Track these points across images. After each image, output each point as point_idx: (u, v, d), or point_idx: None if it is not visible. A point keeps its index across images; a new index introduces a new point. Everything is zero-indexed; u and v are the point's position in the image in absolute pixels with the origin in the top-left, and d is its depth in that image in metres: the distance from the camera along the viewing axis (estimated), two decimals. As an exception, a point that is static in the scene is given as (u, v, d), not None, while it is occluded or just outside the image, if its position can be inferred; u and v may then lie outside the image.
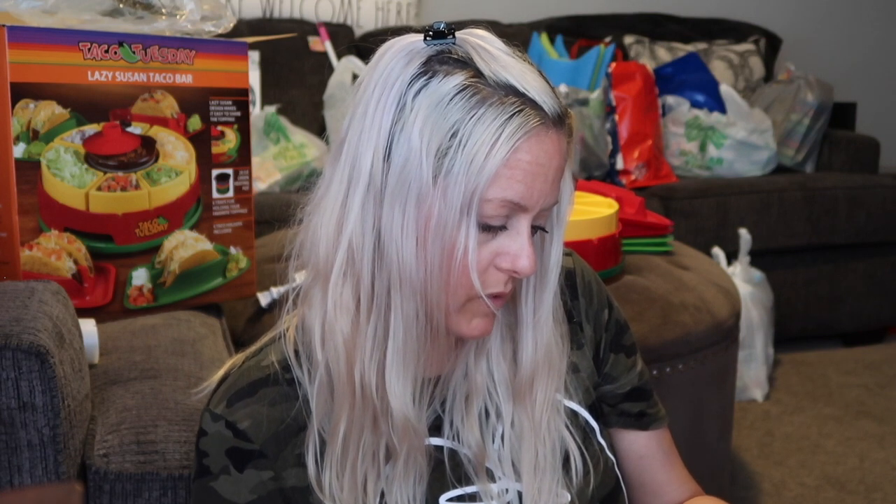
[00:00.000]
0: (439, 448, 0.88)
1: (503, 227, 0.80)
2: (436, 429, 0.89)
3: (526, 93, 0.78)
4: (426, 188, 0.77)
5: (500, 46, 0.81)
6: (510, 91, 0.78)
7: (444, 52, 0.79)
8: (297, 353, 0.87)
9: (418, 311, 0.80)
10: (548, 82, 0.81)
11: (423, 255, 0.78)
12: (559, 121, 0.80)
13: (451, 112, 0.76)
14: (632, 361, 1.01)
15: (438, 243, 0.78)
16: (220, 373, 0.90)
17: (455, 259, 0.78)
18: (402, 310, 0.80)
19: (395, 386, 0.81)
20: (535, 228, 0.83)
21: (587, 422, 0.95)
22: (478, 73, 0.78)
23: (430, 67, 0.78)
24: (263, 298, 1.57)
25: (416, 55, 0.79)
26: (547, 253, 0.87)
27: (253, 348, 0.91)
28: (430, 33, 0.79)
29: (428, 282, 0.79)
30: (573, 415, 0.94)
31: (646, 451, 1.01)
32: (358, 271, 0.80)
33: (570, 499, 0.90)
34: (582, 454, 0.92)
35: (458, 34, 0.80)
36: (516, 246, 0.80)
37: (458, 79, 0.77)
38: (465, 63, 0.78)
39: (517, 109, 0.77)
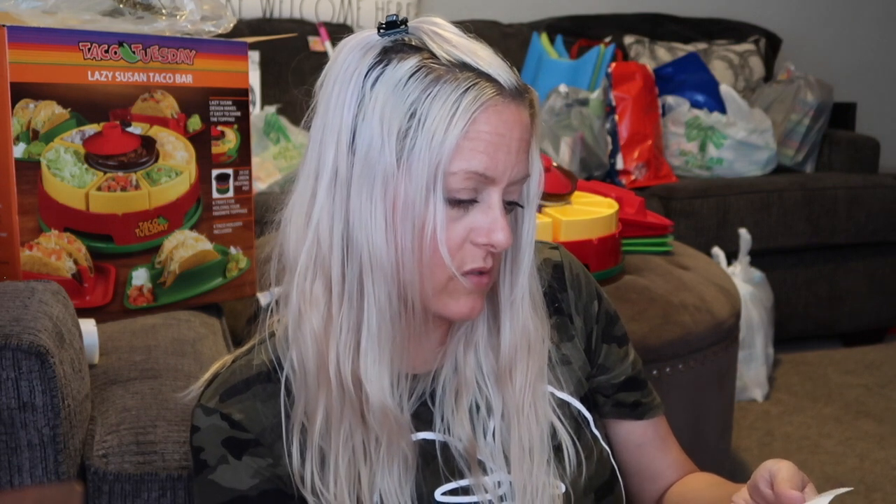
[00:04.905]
0: (431, 442, 0.88)
1: (473, 202, 0.81)
2: (426, 423, 0.89)
3: (478, 67, 0.79)
4: (391, 171, 0.78)
5: (454, 30, 0.82)
6: (463, 67, 0.79)
7: (398, 41, 0.81)
8: (283, 351, 0.88)
9: (391, 296, 0.81)
10: (504, 61, 0.82)
11: (394, 237, 0.79)
12: (517, 93, 0.81)
13: (407, 93, 0.78)
14: (624, 351, 1.01)
15: (408, 224, 0.79)
16: (209, 374, 0.91)
17: (425, 237, 0.79)
18: (374, 295, 0.80)
19: (370, 373, 0.82)
20: (510, 205, 0.84)
21: (580, 412, 0.96)
22: (431, 55, 0.80)
23: (386, 56, 0.80)
24: (263, 298, 1.56)
25: (371, 48, 0.81)
26: (519, 232, 0.87)
27: (242, 349, 0.91)
28: (384, 25, 0.81)
29: (400, 264, 0.80)
30: (565, 406, 0.94)
31: (642, 439, 1.02)
32: (327, 262, 0.81)
33: (564, 489, 0.91)
34: (574, 444, 0.92)
35: (411, 23, 0.82)
36: (489, 219, 0.81)
37: (411, 62, 0.79)
38: (419, 48, 0.80)
39: (472, 83, 0.78)
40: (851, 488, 0.82)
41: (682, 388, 1.74)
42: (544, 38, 3.40)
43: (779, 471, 0.78)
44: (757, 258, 2.83)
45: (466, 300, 0.84)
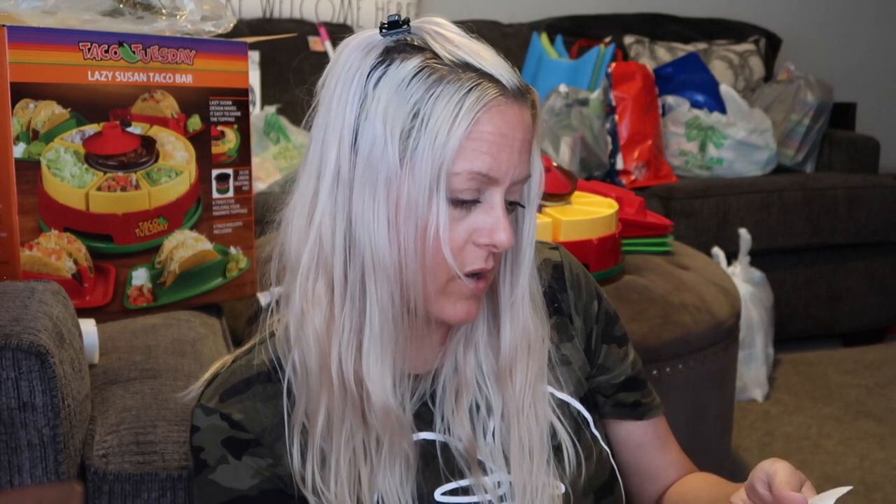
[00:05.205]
0: (431, 442, 0.88)
1: (476, 202, 0.81)
2: (427, 423, 0.89)
3: (481, 67, 0.80)
4: (394, 171, 0.78)
5: (456, 31, 0.82)
6: (466, 67, 0.79)
7: (400, 41, 0.81)
8: (284, 351, 0.88)
9: (393, 296, 0.81)
10: (506, 61, 0.82)
11: (396, 237, 0.79)
12: (519, 94, 0.81)
13: (410, 94, 0.78)
14: (623, 352, 1.01)
15: (411, 224, 0.79)
16: (209, 374, 0.91)
17: (428, 237, 0.79)
18: (377, 295, 0.81)
19: (373, 372, 0.82)
20: (512, 205, 0.84)
21: (579, 413, 0.96)
22: (434, 55, 0.80)
23: (388, 56, 0.80)
24: (263, 298, 1.56)
25: (373, 48, 0.81)
26: (520, 233, 0.87)
27: (242, 349, 0.91)
28: (386, 25, 0.81)
29: (403, 264, 0.80)
30: (565, 406, 0.94)
31: (642, 440, 1.02)
32: (329, 262, 0.81)
33: (564, 489, 0.91)
34: (574, 445, 0.92)
35: (413, 23, 0.82)
36: (491, 220, 0.81)
37: (414, 62, 0.79)
38: (422, 48, 0.80)
39: (474, 83, 0.78)
40: (851, 487, 0.81)
41: (682, 388, 1.74)
42: (544, 38, 3.40)
43: (776, 472, 0.78)
44: (757, 258, 2.83)
45: (463, 305, 0.84)
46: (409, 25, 0.82)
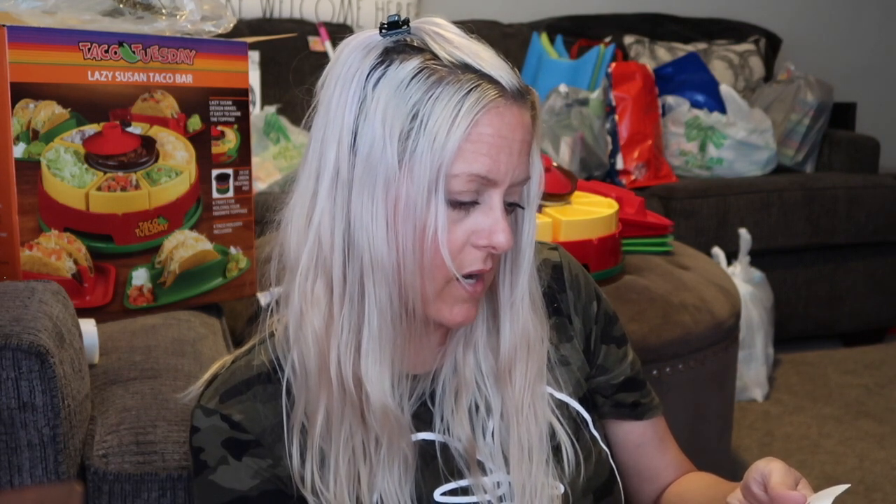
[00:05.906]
0: (430, 442, 0.89)
1: (475, 203, 0.81)
2: (426, 423, 0.89)
3: (481, 68, 0.79)
4: (392, 172, 0.78)
5: (456, 31, 0.82)
6: (466, 69, 0.79)
7: (400, 41, 0.81)
8: (283, 351, 0.88)
9: (392, 297, 0.81)
10: (506, 62, 0.82)
11: (395, 238, 0.79)
12: (519, 95, 0.81)
13: (409, 95, 0.78)
14: (623, 352, 1.01)
15: (409, 225, 0.79)
16: (208, 374, 0.91)
17: (427, 239, 0.79)
18: (375, 296, 0.81)
19: (371, 373, 0.82)
20: (511, 206, 0.84)
21: (579, 413, 0.96)
22: (433, 56, 0.79)
23: (388, 57, 0.80)
24: (263, 298, 1.56)
25: (373, 48, 0.81)
26: (519, 233, 0.87)
27: (242, 350, 0.91)
28: (386, 26, 0.81)
29: (401, 265, 0.80)
30: (564, 406, 0.94)
31: (641, 439, 1.02)
32: (328, 263, 0.81)
33: (563, 490, 0.91)
34: (573, 445, 0.92)
35: (412, 23, 0.82)
36: (490, 221, 0.81)
37: (414, 63, 0.79)
38: (421, 49, 0.80)
39: (474, 85, 0.78)
40: (849, 485, 0.81)
41: (682, 388, 1.74)
42: (544, 38, 3.40)
43: (771, 473, 0.78)
44: (757, 258, 2.83)
45: (461, 308, 0.84)
46: (408, 26, 0.82)
